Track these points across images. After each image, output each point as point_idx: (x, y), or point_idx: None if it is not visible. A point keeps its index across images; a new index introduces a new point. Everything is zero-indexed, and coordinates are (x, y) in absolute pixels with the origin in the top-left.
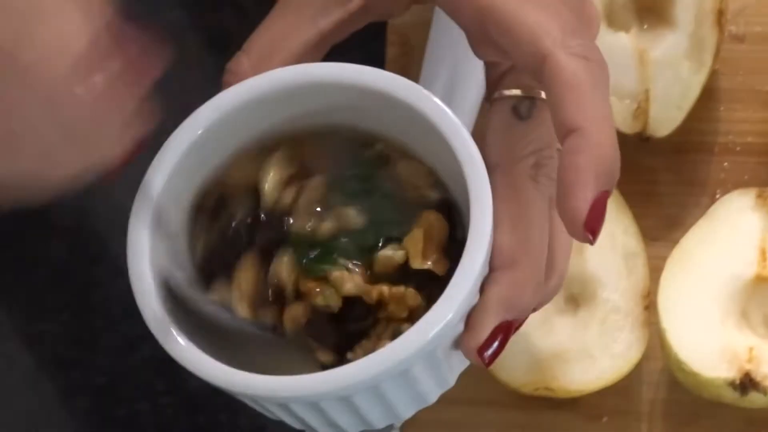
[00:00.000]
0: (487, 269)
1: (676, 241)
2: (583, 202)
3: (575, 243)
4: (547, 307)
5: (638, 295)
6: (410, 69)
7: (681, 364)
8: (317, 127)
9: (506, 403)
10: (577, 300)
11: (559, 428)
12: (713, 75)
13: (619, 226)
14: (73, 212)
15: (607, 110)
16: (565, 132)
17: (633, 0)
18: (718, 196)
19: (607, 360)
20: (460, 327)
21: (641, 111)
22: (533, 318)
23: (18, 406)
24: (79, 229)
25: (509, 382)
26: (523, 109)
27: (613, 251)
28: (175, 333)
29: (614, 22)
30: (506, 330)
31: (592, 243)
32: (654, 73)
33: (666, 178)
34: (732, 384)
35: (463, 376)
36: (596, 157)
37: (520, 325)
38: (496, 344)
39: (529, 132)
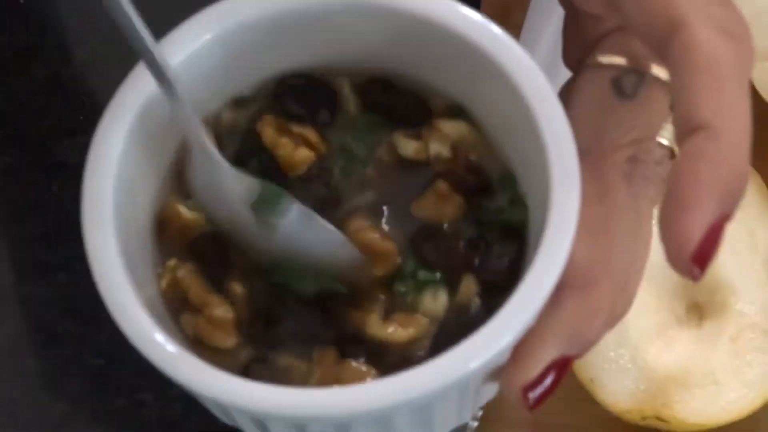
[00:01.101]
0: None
1: None
2: (697, 227)
3: None
4: (665, 317)
5: None
6: (510, 16)
7: None
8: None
9: (600, 431)
10: (702, 310)
11: None
12: None
13: (761, 223)
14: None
15: (748, 109)
16: (690, 128)
17: None
18: None
19: (736, 388)
20: (506, 355)
21: None
22: (646, 328)
23: None
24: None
25: (611, 405)
26: (628, 85)
27: (752, 254)
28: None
29: None
30: (562, 367)
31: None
32: None
33: None
34: None
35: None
36: (725, 169)
37: (575, 359)
38: (546, 383)
39: (632, 115)
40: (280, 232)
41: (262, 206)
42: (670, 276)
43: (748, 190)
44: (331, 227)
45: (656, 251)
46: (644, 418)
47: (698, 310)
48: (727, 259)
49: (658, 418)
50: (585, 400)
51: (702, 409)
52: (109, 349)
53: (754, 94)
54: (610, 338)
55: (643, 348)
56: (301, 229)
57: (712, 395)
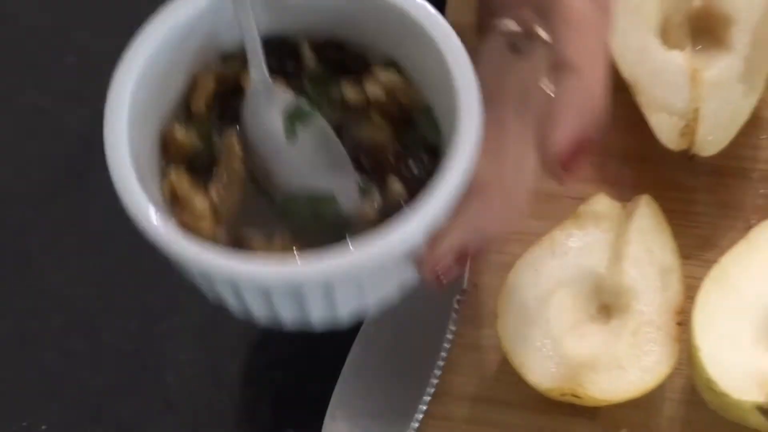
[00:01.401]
0: (464, 188)
1: (708, 261)
2: (561, 135)
3: (613, 253)
4: (580, 315)
5: (672, 311)
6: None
7: (711, 383)
8: (286, 32)
9: (528, 405)
10: (610, 310)
11: None
12: (759, 103)
13: (657, 242)
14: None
15: (605, 57)
16: (560, 69)
17: (689, 20)
18: (753, 222)
19: (635, 372)
20: (423, 244)
21: (689, 129)
22: (565, 323)
23: (43, 363)
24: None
25: (536, 384)
26: (521, 45)
27: (650, 265)
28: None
29: (669, 40)
30: (464, 257)
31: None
32: (706, 94)
33: (704, 199)
34: (760, 408)
35: (490, 374)
36: (584, 97)
37: (477, 254)
38: (452, 268)
39: (522, 67)
40: (300, 144)
41: (293, 116)
42: (586, 284)
43: (648, 216)
44: (341, 146)
45: (572, 266)
46: (563, 395)
47: (606, 310)
48: (631, 270)
49: (574, 395)
50: (517, 381)
51: (608, 389)
52: (138, 337)
53: (653, 138)
54: (536, 331)
55: (562, 339)
56: (317, 145)
57: (616, 378)
